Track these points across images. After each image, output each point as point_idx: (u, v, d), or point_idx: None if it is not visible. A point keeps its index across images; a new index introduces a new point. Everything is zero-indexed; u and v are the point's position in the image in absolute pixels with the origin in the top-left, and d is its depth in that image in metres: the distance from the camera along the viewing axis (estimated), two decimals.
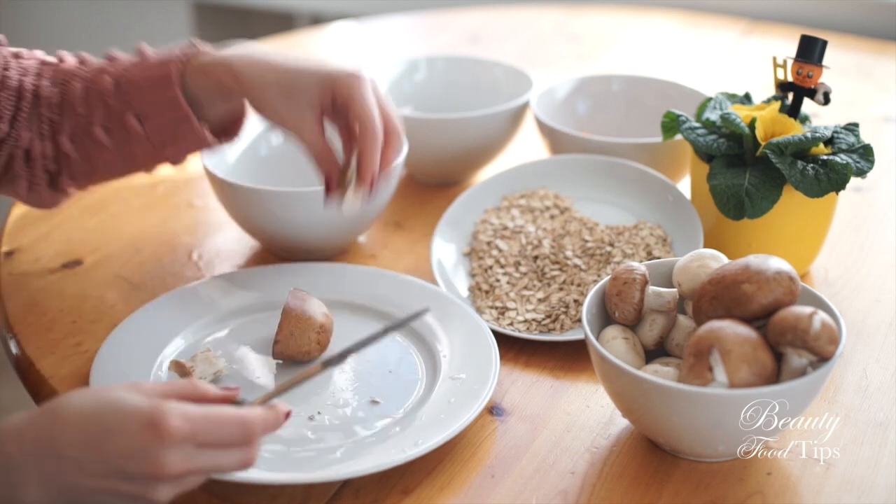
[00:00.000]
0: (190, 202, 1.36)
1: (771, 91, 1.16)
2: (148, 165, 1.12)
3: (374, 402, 0.99)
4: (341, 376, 1.03)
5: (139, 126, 1.07)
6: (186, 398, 0.81)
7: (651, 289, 0.97)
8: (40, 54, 1.13)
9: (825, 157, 1.09)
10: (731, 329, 0.87)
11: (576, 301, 1.11)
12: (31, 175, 1.09)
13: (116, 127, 1.07)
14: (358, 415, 0.98)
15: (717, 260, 0.97)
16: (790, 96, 1.13)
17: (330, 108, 1.04)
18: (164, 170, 1.13)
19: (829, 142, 1.12)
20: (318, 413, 0.98)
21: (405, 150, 1.23)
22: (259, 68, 1.04)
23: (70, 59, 1.12)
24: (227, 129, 1.12)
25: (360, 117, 1.02)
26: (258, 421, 0.81)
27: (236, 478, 0.87)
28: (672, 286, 0.99)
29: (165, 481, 0.78)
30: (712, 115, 1.16)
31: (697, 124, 1.16)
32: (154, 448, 0.77)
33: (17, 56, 1.11)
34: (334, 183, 1.06)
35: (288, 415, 0.84)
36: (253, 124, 1.31)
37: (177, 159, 1.10)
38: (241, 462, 0.81)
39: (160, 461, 0.77)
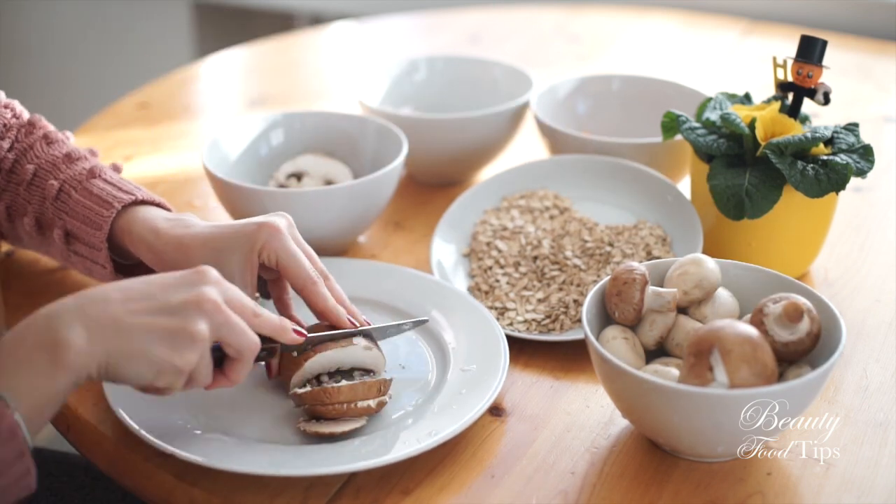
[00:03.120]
0: (190, 202, 1.36)
1: (771, 91, 1.16)
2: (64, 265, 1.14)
3: (388, 395, 0.99)
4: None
5: (63, 242, 1.08)
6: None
7: (651, 289, 0.97)
8: (15, 107, 1.14)
9: (825, 157, 1.09)
10: (732, 329, 0.87)
11: (575, 301, 1.11)
12: None
13: (44, 228, 1.10)
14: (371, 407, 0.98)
15: (697, 265, 0.97)
16: (790, 96, 1.13)
17: (257, 269, 1.00)
18: (164, 169, 1.13)
19: (829, 142, 1.12)
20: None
21: (404, 153, 1.23)
22: (180, 254, 1.00)
23: (37, 130, 1.13)
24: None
25: (296, 276, 0.97)
26: (270, 317, 0.90)
27: (281, 472, 0.89)
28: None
29: (206, 312, 0.84)
30: (712, 115, 1.16)
31: (697, 124, 1.16)
32: (197, 282, 0.86)
33: None
34: (272, 366, 0.99)
35: (300, 333, 0.92)
36: (253, 123, 1.31)
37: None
38: (251, 341, 0.87)
39: (202, 291, 0.85)
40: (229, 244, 0.98)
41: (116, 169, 1.14)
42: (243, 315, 0.88)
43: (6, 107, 1.14)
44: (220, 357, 0.89)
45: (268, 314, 0.90)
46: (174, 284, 0.85)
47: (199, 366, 0.85)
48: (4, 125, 1.12)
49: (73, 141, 1.16)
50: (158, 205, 1.07)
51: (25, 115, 1.15)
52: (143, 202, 1.06)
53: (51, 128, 1.15)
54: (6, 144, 1.11)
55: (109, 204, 1.05)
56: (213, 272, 0.87)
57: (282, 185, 1.26)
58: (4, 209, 1.11)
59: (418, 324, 1.03)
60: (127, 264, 1.09)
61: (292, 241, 0.99)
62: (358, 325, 0.99)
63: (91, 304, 0.82)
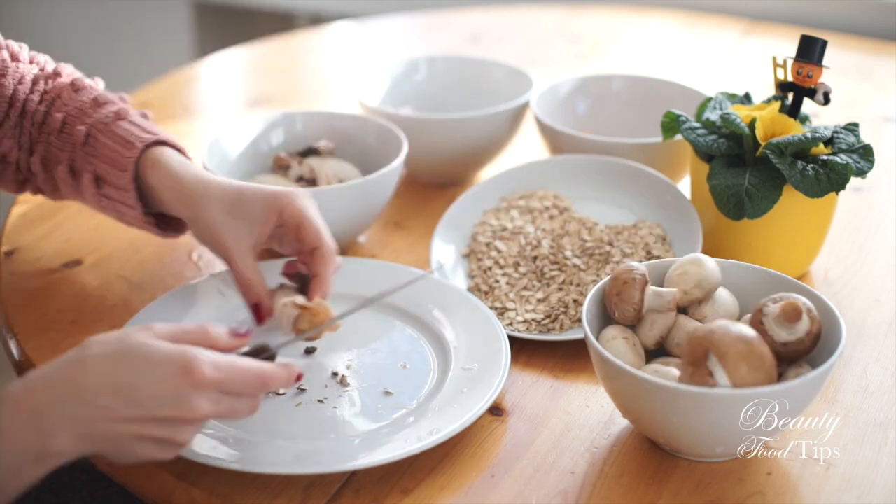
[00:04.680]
0: None
1: (771, 91, 1.16)
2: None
3: (388, 393, 1.00)
4: (353, 371, 1.03)
5: (94, 187, 1.09)
6: (198, 343, 0.84)
7: (651, 289, 0.97)
8: (41, 61, 1.15)
9: (825, 157, 1.09)
10: (723, 330, 0.87)
11: (575, 301, 1.11)
12: (1, 173, 1.14)
13: (77, 174, 1.10)
14: (372, 406, 0.98)
15: (697, 265, 0.97)
16: (790, 96, 1.13)
17: (271, 228, 1.02)
18: None
19: (829, 142, 1.12)
20: (335, 408, 0.98)
21: (404, 153, 1.23)
22: (202, 186, 1.03)
23: (64, 77, 1.14)
24: (179, 225, 1.13)
25: (314, 240, 1.00)
26: (275, 377, 0.86)
27: (281, 471, 0.89)
28: None
29: (195, 425, 0.83)
30: (712, 115, 1.16)
31: (697, 124, 1.16)
32: (187, 393, 0.81)
33: (15, 58, 1.13)
34: (265, 311, 1.01)
35: (300, 377, 0.88)
36: (253, 123, 1.31)
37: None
38: (250, 409, 0.85)
39: (192, 405, 0.81)
40: (252, 195, 1.01)
41: (144, 116, 1.14)
42: (247, 391, 0.84)
43: (32, 61, 1.14)
44: None
45: (274, 375, 0.85)
46: (162, 395, 0.80)
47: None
48: (33, 80, 1.13)
49: (103, 87, 1.16)
50: (179, 149, 1.09)
51: (51, 64, 1.16)
52: (167, 143, 1.07)
53: (78, 75, 1.15)
54: (36, 97, 1.11)
55: (132, 144, 1.06)
56: (204, 367, 0.81)
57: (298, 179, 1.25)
58: (39, 161, 1.11)
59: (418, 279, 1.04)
60: (155, 214, 1.10)
61: (315, 208, 1.02)
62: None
63: (78, 410, 0.79)
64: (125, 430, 0.80)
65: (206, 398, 0.81)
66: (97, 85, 1.15)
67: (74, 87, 1.12)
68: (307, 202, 1.02)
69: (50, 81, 1.13)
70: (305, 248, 1.01)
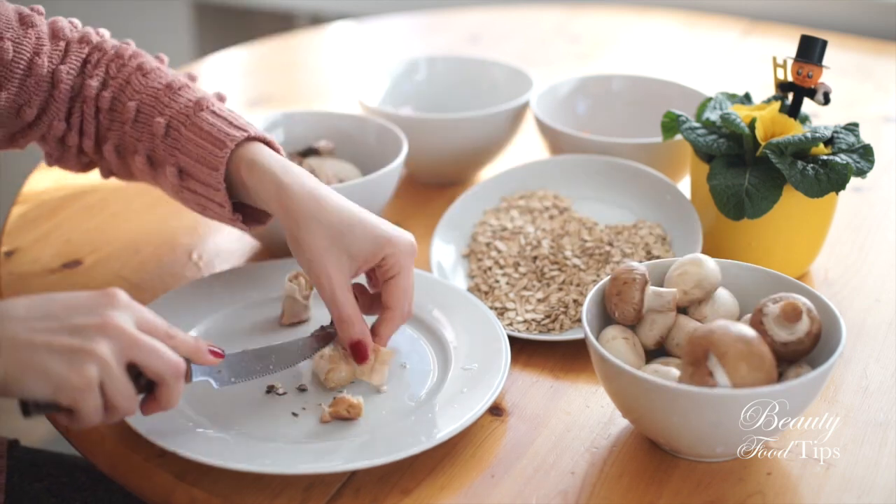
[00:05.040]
0: None
1: (771, 91, 1.16)
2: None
3: (389, 394, 1.00)
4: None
5: (177, 179, 1.05)
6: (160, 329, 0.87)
7: (651, 289, 0.97)
8: (93, 38, 1.10)
9: (825, 157, 1.09)
10: (723, 330, 0.87)
11: (575, 301, 1.11)
12: (62, 156, 1.12)
13: (156, 165, 1.07)
14: (372, 406, 0.98)
15: (697, 265, 0.97)
16: (790, 96, 1.13)
17: (369, 268, 0.99)
18: None
19: (829, 142, 1.12)
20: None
21: (404, 153, 1.23)
22: (313, 204, 0.97)
23: (128, 60, 1.09)
24: (261, 216, 1.08)
25: (395, 300, 0.98)
26: (182, 337, 0.88)
27: (281, 471, 0.89)
28: None
29: (109, 336, 0.82)
30: (712, 115, 1.16)
31: (697, 124, 1.16)
32: (103, 305, 0.84)
33: (56, 35, 1.09)
34: (366, 351, 0.98)
35: (217, 355, 0.91)
36: (253, 123, 1.31)
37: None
38: (169, 362, 0.85)
39: (107, 313, 0.83)
40: (362, 231, 0.97)
41: (221, 98, 1.11)
42: (156, 336, 0.86)
43: (82, 41, 1.09)
44: (149, 383, 0.87)
45: (183, 336, 0.88)
46: (79, 307, 0.83)
47: (112, 388, 0.82)
48: (87, 61, 1.09)
49: (168, 63, 1.13)
50: (268, 143, 1.03)
51: (108, 44, 1.10)
52: (256, 139, 1.02)
53: (143, 56, 1.10)
54: (95, 83, 1.08)
55: (222, 143, 1.01)
56: (122, 296, 0.85)
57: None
58: (113, 149, 1.08)
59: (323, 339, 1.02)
60: (245, 206, 1.06)
61: (413, 268, 0.99)
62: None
63: None
64: (37, 339, 0.81)
65: (121, 315, 0.83)
66: (163, 65, 1.11)
67: (142, 71, 1.08)
68: (408, 259, 0.98)
69: (113, 66, 1.09)
70: (384, 300, 0.98)
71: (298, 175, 0.99)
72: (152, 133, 1.05)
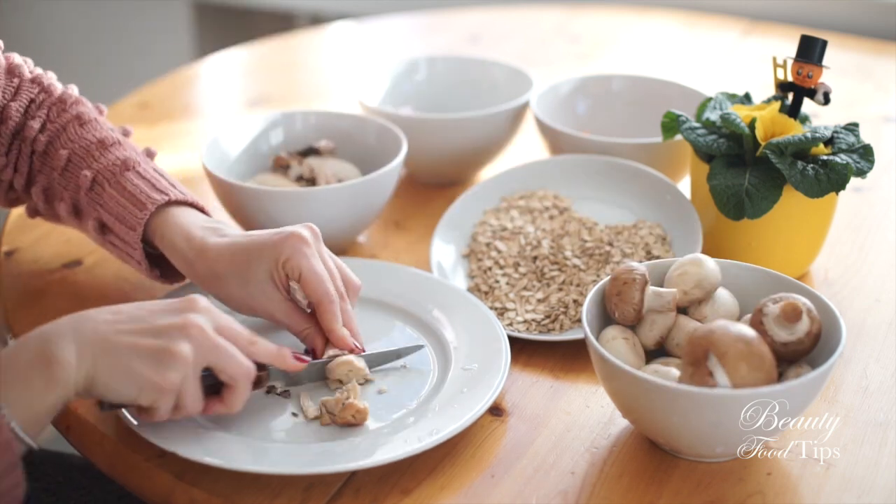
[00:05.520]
0: None
1: (771, 91, 1.16)
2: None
3: (388, 393, 1.00)
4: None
5: (98, 233, 1.09)
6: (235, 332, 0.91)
7: (651, 289, 0.97)
8: (45, 80, 1.14)
9: (825, 157, 1.09)
10: (723, 330, 0.87)
11: (575, 301, 1.11)
12: None
13: (79, 214, 1.11)
14: (372, 406, 0.98)
15: (697, 265, 0.97)
16: (790, 96, 1.13)
17: (284, 280, 1.00)
18: (165, 169, 1.12)
19: (829, 142, 1.12)
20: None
21: (403, 152, 1.23)
22: (209, 267, 1.01)
23: (69, 108, 1.12)
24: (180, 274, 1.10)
25: (313, 293, 0.98)
26: (263, 343, 0.92)
27: (281, 471, 0.89)
28: None
29: (191, 336, 0.86)
30: (712, 115, 1.16)
31: (697, 124, 1.16)
32: (186, 309, 0.88)
33: (12, 72, 1.12)
34: (320, 352, 1.01)
35: (301, 360, 0.94)
36: (253, 123, 1.31)
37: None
38: (238, 364, 0.88)
39: (189, 317, 0.87)
40: (255, 256, 1.00)
41: (150, 155, 1.14)
42: (237, 342, 0.89)
43: (34, 81, 1.13)
44: (217, 384, 0.90)
45: (264, 342, 0.92)
46: (163, 310, 0.88)
47: (185, 389, 0.86)
48: (32, 101, 1.12)
49: (106, 115, 1.16)
50: (191, 204, 1.08)
51: (57, 88, 1.14)
52: (177, 202, 1.07)
53: (83, 106, 1.14)
54: (36, 124, 1.11)
55: (143, 205, 1.05)
56: (202, 301, 0.90)
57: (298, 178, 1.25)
58: (41, 191, 1.12)
59: (414, 350, 1.05)
60: (163, 257, 1.08)
61: (316, 254, 1.00)
62: (360, 348, 1.01)
63: (83, 324, 0.85)
64: (124, 340, 0.85)
65: (203, 318, 0.88)
66: (101, 117, 1.15)
67: (80, 121, 1.12)
68: (301, 253, 0.99)
69: (54, 110, 1.12)
70: (309, 300, 1.00)
71: (199, 241, 1.02)
72: (78, 184, 1.09)
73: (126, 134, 1.16)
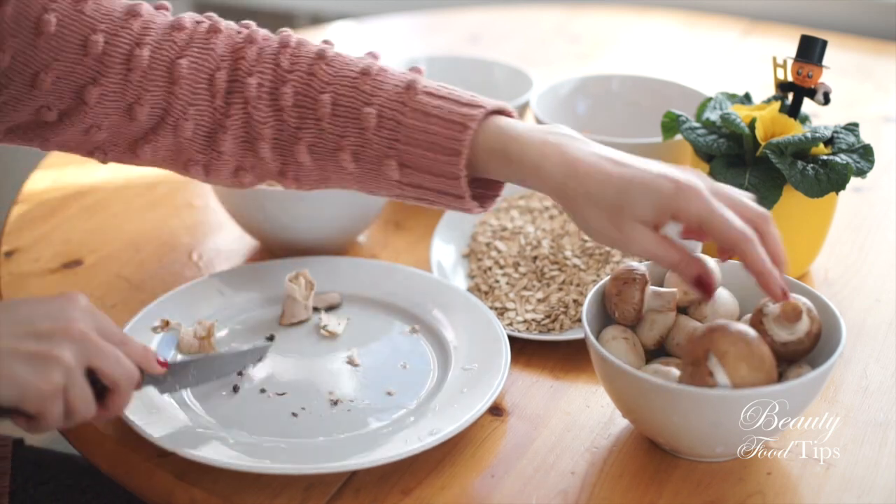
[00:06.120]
0: (190, 202, 1.36)
1: (771, 91, 1.16)
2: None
3: (388, 394, 1.00)
4: (355, 371, 1.03)
5: (398, 174, 0.93)
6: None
7: (651, 289, 0.97)
8: (213, 23, 1.00)
9: (825, 157, 1.09)
10: (723, 330, 0.87)
11: (575, 301, 1.11)
12: (209, 164, 1.00)
13: (367, 161, 0.95)
14: (372, 406, 0.98)
15: None
16: (790, 96, 1.13)
17: (667, 221, 0.88)
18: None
19: (829, 142, 1.12)
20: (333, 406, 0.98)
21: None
22: (575, 182, 0.88)
23: (302, 49, 0.97)
24: (487, 198, 0.96)
25: (726, 239, 0.85)
26: (134, 343, 0.88)
27: (281, 471, 0.89)
28: None
29: (73, 339, 0.82)
30: (712, 115, 1.16)
31: (697, 124, 1.16)
32: (65, 308, 0.84)
33: (176, 28, 0.98)
34: (712, 283, 0.89)
35: (164, 364, 0.90)
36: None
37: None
38: (125, 369, 0.85)
39: (70, 317, 0.83)
40: (637, 196, 0.86)
41: (375, 58, 0.98)
42: (112, 342, 0.85)
43: (210, 31, 0.99)
44: (102, 389, 0.86)
45: (134, 343, 0.88)
46: (43, 313, 0.83)
47: (73, 394, 0.82)
48: (239, 58, 0.98)
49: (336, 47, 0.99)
50: (503, 112, 0.93)
51: (260, 33, 1.00)
52: (495, 112, 0.93)
53: (311, 43, 0.98)
54: (255, 81, 0.96)
55: (461, 125, 0.90)
56: (84, 300, 0.85)
57: None
58: (306, 149, 0.96)
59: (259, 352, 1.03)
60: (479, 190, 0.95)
61: (713, 199, 0.85)
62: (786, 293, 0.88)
63: None
64: (4, 345, 0.80)
65: (84, 320, 0.84)
66: (336, 50, 0.98)
67: (324, 59, 0.96)
68: (703, 202, 0.85)
69: (283, 58, 0.97)
70: (724, 247, 0.87)
71: (551, 149, 0.89)
72: (362, 127, 0.93)
73: (375, 57, 0.99)
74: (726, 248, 0.87)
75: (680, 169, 0.88)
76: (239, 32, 1.00)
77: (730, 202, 0.86)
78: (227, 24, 1.01)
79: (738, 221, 0.85)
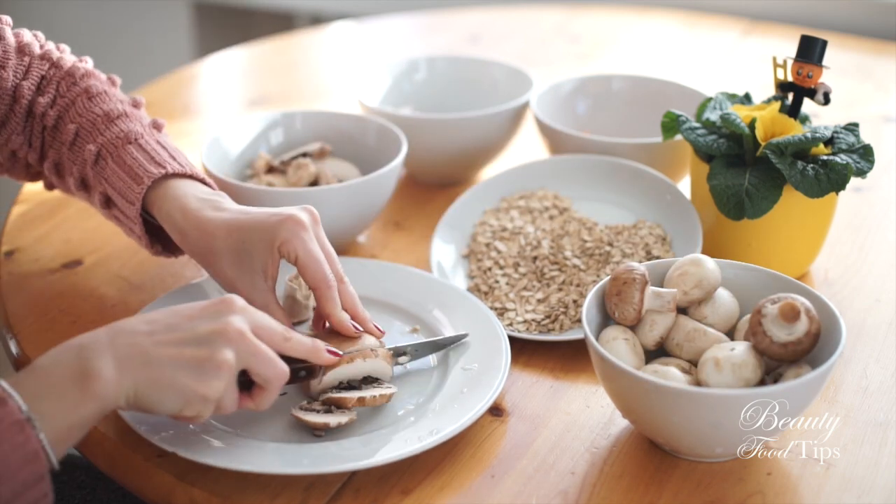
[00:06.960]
0: None
1: (771, 91, 1.16)
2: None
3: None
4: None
5: (103, 206, 1.09)
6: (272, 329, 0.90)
7: (651, 289, 0.97)
8: (54, 56, 1.14)
9: (825, 158, 1.09)
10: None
11: (575, 301, 1.11)
12: (12, 167, 1.16)
13: (87, 188, 1.11)
14: (372, 407, 0.98)
15: (697, 265, 0.97)
16: (790, 96, 1.13)
17: (278, 265, 0.99)
18: None
19: (829, 142, 1.12)
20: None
21: (403, 153, 1.23)
22: (209, 234, 1.00)
23: (79, 81, 1.12)
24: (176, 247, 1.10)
25: (312, 279, 0.97)
26: (298, 337, 0.90)
27: (281, 471, 0.89)
28: None
29: (232, 341, 0.85)
30: (712, 115, 1.16)
31: (697, 124, 1.16)
32: (223, 312, 0.86)
33: (22, 51, 1.12)
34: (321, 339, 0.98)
35: (335, 354, 0.93)
36: (253, 123, 1.31)
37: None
38: (278, 370, 0.88)
39: (228, 320, 0.85)
40: (252, 235, 0.98)
41: (157, 126, 1.12)
42: (272, 341, 0.88)
43: (43, 57, 1.13)
44: (247, 381, 0.89)
45: (299, 337, 0.91)
46: (200, 315, 0.86)
47: (225, 393, 0.86)
48: (43, 78, 1.12)
49: (119, 88, 1.16)
50: (191, 176, 1.06)
51: (66, 62, 1.13)
52: (177, 175, 1.05)
53: (93, 79, 1.13)
54: (46, 100, 1.11)
55: (140, 178, 1.04)
56: (238, 301, 0.88)
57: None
58: (52, 166, 1.12)
59: (457, 339, 1.05)
60: (163, 231, 1.08)
61: (314, 238, 0.98)
62: (363, 332, 0.99)
63: (120, 336, 0.83)
64: (166, 354, 0.83)
65: (241, 320, 0.86)
66: (112, 89, 1.14)
67: (88, 94, 1.11)
68: (305, 235, 0.97)
69: (63, 84, 1.12)
70: (310, 286, 0.98)
71: (194, 211, 1.01)
72: (84, 159, 1.09)
73: (136, 105, 1.14)
74: (311, 288, 0.97)
75: (298, 207, 0.99)
76: (51, 57, 1.14)
77: (325, 248, 0.98)
78: (47, 48, 1.14)
79: (324, 266, 0.97)
